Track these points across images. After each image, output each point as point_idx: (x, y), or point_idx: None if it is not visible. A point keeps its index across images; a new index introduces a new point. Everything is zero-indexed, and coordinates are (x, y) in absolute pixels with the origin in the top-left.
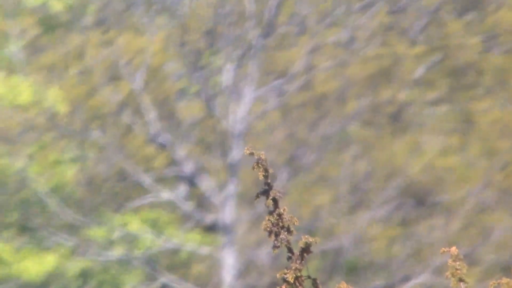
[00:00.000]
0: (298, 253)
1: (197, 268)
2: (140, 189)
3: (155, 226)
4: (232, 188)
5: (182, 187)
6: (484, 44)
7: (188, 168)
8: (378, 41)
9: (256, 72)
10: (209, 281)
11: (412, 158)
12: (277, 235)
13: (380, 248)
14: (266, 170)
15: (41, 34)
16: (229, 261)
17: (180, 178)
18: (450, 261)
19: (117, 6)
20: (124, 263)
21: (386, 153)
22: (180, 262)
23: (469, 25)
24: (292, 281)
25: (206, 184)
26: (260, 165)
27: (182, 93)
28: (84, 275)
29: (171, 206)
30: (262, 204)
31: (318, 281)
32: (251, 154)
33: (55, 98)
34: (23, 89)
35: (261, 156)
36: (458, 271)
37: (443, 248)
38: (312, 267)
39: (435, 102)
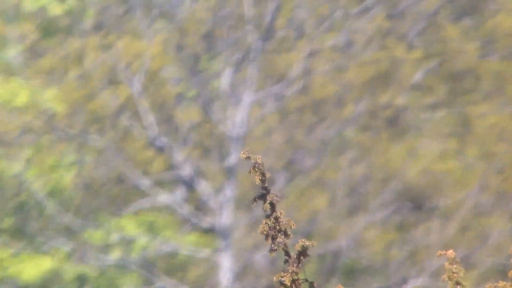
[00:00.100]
0: (295, 257)
1: (194, 272)
2: (138, 193)
3: (152, 230)
4: (229, 192)
5: (180, 191)
6: (481, 49)
7: (186, 172)
8: (376, 45)
9: (254, 76)
10: (206, 284)
11: (409, 162)
12: (274, 238)
13: (377, 251)
14: (263, 174)
15: (40, 38)
16: (226, 264)
17: (178, 182)
18: (447, 264)
19: (116, 10)
20: (121, 266)
21: (384, 157)
22: (177, 265)
23: (467, 30)
24: (289, 284)
25: (204, 188)
26: (256, 169)
27: (180, 97)
28: (81, 279)
29: (169, 209)
30: (260, 208)
31: (315, 284)
32: (248, 158)
33: (53, 98)
34: (21, 91)
35: (257, 160)
36: (455, 274)
37: (440, 251)
38: (309, 270)
39: (433, 107)
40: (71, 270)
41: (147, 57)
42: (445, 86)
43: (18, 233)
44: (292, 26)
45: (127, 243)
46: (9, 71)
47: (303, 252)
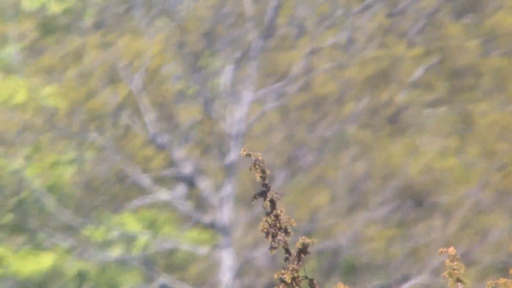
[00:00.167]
0: (295, 254)
1: (195, 269)
2: (139, 190)
3: (153, 226)
4: (229, 189)
5: (180, 188)
6: (482, 46)
7: (186, 169)
8: (376, 43)
9: (255, 74)
10: (207, 281)
11: (410, 159)
12: (274, 236)
13: (378, 248)
14: (263, 172)
15: (40, 36)
16: (227, 262)
17: (178, 179)
18: (447, 261)
19: (116, 8)
20: (122, 263)
21: (384, 155)
22: (178, 262)
23: (467, 27)
24: (289, 282)
25: (204, 185)
26: (257, 167)
27: (180, 94)
28: (82, 275)
29: (169, 206)
30: (260, 205)
31: (315, 282)
32: (248, 155)
33: (53, 96)
34: (20, 89)
35: (258, 157)
36: (456, 271)
37: (441, 249)
38: (309, 267)
39: (434, 104)
40: (71, 267)
41: (147, 55)
42: (446, 83)
43: (18, 229)
44: (292, 24)
45: (128, 240)
46: (8, 70)
47: (303, 250)
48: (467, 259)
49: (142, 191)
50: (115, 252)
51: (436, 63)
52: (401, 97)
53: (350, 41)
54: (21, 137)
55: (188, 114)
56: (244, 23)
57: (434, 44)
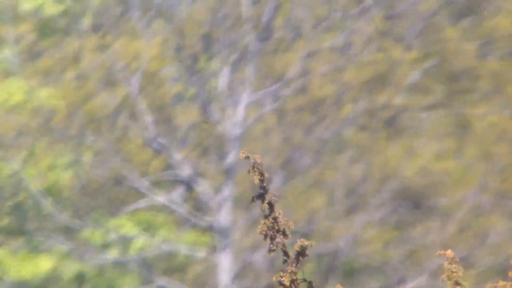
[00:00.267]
0: (293, 256)
1: (194, 271)
2: (136, 193)
3: (151, 229)
4: (228, 191)
5: (178, 191)
6: (480, 49)
7: (184, 171)
8: (374, 46)
9: (252, 76)
10: (206, 284)
11: (407, 161)
12: (272, 238)
13: (376, 251)
14: (261, 174)
15: (37, 38)
16: (225, 264)
17: (176, 182)
18: (446, 264)
19: (113, 10)
20: (120, 266)
21: (382, 157)
22: (176, 265)
23: (465, 30)
24: (288, 284)
25: (203, 187)
26: (255, 169)
27: (178, 97)
28: (80, 278)
29: (167, 209)
30: (258, 208)
31: (313, 284)
32: (247, 157)
33: (50, 96)
34: (18, 92)
35: (256, 160)
36: (454, 274)
37: (439, 251)
38: (307, 270)
39: (431, 107)
40: (69, 269)
41: (144, 57)
42: (444, 86)
43: (16, 232)
44: (290, 26)
45: (126, 242)
46: (6, 72)
47: (301, 252)
48: (465, 262)
49: (140, 194)
50: (113, 254)
51: (433, 66)
52: (398, 100)
53: (348, 44)
54: (19, 140)
55: (186, 116)
56: (241, 25)
57: (432, 47)
